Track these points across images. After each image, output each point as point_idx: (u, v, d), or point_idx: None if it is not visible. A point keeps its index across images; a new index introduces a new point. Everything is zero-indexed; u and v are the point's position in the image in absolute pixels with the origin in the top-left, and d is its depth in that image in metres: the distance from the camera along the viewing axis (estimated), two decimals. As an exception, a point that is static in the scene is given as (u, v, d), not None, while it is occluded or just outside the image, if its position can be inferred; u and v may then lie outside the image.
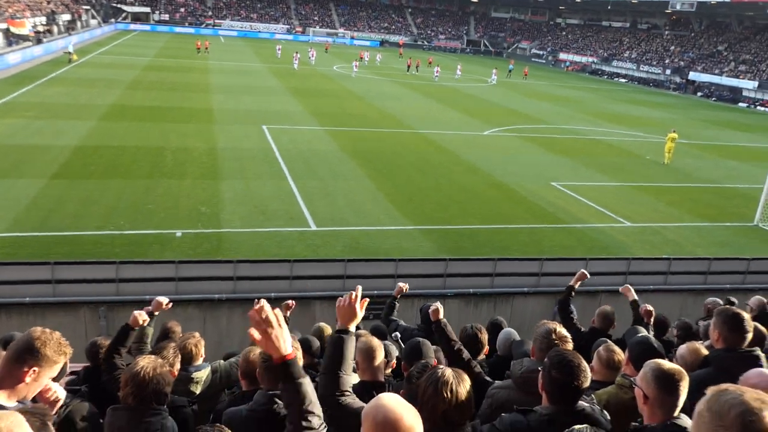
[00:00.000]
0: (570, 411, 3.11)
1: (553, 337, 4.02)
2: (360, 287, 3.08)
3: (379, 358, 3.99)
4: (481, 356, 5.50)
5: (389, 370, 4.84)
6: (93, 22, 79.97)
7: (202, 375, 5.11)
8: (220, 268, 11.51)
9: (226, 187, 18.78)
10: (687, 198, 22.49)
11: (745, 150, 34.39)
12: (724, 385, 1.94)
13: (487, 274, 12.64)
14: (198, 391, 5.03)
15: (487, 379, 4.45)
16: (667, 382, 2.99)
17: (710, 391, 1.95)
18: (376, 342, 4.07)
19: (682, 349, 4.62)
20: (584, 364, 3.23)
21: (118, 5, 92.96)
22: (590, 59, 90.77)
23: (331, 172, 21.64)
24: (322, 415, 2.58)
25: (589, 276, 6.44)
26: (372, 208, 18.10)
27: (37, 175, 18.41)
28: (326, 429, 2.58)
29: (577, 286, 6.45)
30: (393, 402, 2.17)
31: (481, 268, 12.63)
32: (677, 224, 19.26)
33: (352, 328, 3.01)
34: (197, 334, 5.37)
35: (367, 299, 3.09)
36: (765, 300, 6.96)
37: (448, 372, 2.80)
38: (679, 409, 3.00)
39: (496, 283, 12.62)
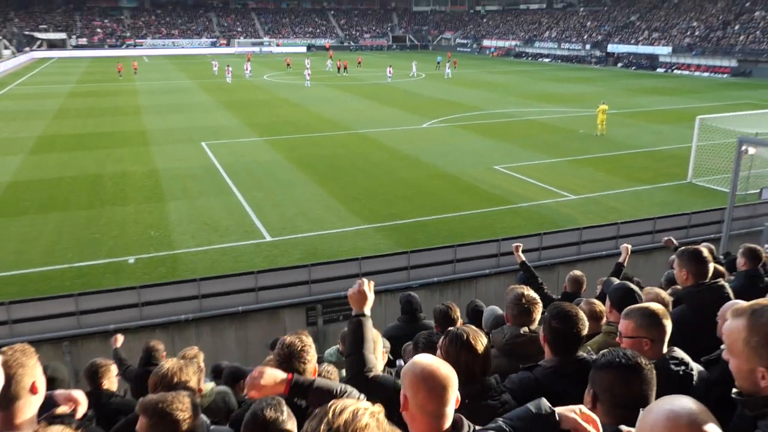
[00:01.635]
0: (572, 360, 3.31)
1: (524, 301, 4.19)
2: (365, 279, 3.32)
3: (379, 347, 4.11)
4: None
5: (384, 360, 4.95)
6: (6, 52, 76.74)
7: (208, 386, 5.11)
8: (184, 288, 11.36)
9: (172, 208, 18.46)
10: (622, 165, 23.42)
11: (669, 113, 36.00)
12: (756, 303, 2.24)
13: (449, 261, 12.91)
14: (205, 405, 5.02)
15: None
16: (654, 317, 3.22)
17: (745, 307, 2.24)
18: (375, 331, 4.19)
19: (643, 295, 4.90)
20: (581, 313, 3.46)
21: (31, 33, 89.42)
22: (513, 43, 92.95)
23: (277, 181, 21.54)
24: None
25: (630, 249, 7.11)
26: (323, 212, 18.14)
27: (-29, 219, 17.64)
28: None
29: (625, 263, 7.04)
30: (428, 358, 2.41)
31: (443, 257, 12.89)
32: (617, 191, 20.07)
33: (367, 311, 3.23)
34: (196, 348, 5.34)
35: (372, 281, 3.35)
36: (712, 246, 7.41)
37: (467, 329, 3.00)
38: (666, 341, 3.24)
39: (458, 269, 12.90)
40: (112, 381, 5.06)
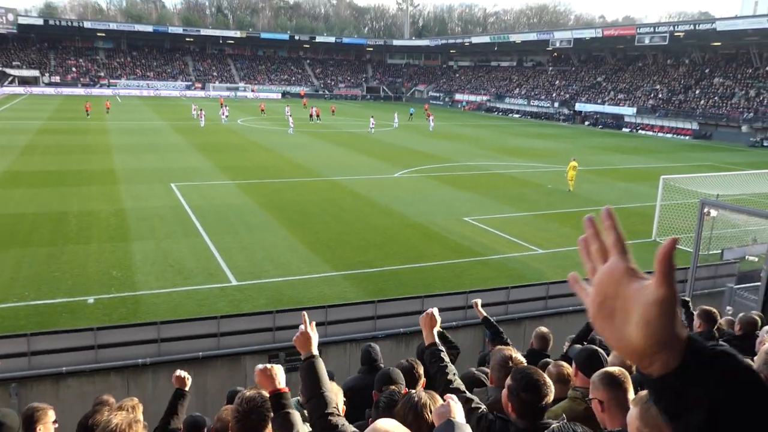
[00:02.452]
0: (540, 427, 3.25)
1: (511, 364, 4.18)
2: (305, 313, 3.25)
3: (339, 392, 4.01)
4: (419, 388, 5.59)
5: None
6: (-24, 88, 75.94)
7: None
8: (143, 331, 11.01)
9: (137, 249, 18.09)
10: (589, 221, 23.76)
11: (634, 171, 36.98)
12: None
13: (416, 312, 12.79)
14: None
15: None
16: (613, 381, 3.22)
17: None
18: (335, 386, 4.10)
19: (610, 358, 4.92)
20: (548, 380, 3.41)
21: (3, 69, 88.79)
22: (484, 98, 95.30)
23: (247, 225, 21.35)
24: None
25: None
26: (292, 258, 17.97)
27: (-76, 254, 17.03)
28: None
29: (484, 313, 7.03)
30: (387, 424, 2.32)
31: (410, 307, 12.77)
32: (584, 247, 20.28)
33: (315, 351, 3.12)
34: (135, 399, 5.12)
35: (314, 322, 3.27)
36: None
37: (424, 395, 2.89)
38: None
39: (424, 320, 12.78)
40: (48, 428, 4.65)
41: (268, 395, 3.13)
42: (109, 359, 10.65)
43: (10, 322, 12.74)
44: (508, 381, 3.47)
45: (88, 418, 4.82)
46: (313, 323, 3.24)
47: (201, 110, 55.51)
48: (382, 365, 6.51)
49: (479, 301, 7.21)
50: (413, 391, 3.05)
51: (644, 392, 2.33)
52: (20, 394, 10.00)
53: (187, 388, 4.79)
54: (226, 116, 58.62)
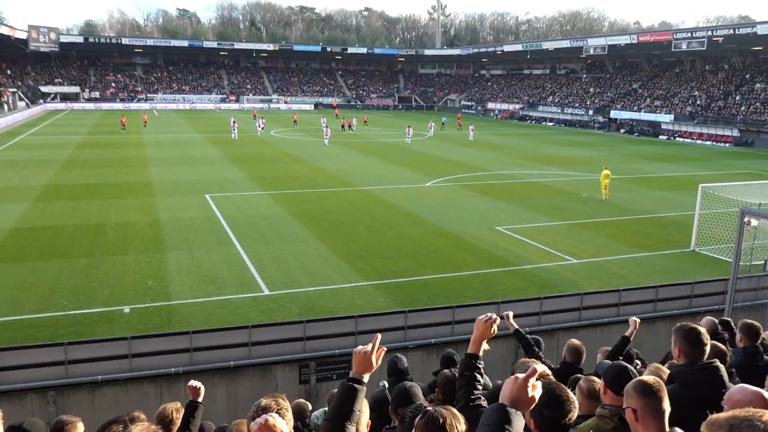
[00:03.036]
0: None
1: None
2: (379, 336, 3.07)
3: (365, 418, 3.93)
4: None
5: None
6: (20, 104, 78.54)
7: None
8: (176, 340, 11.16)
9: (172, 259, 18.38)
10: (625, 230, 23.38)
11: (671, 179, 36.22)
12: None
13: (447, 322, 12.71)
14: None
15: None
16: (648, 390, 3.12)
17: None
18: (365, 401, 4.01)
19: (646, 373, 4.80)
20: (572, 396, 3.31)
21: (47, 85, 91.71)
22: (516, 106, 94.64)
23: (279, 235, 21.53)
24: None
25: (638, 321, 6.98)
26: (323, 267, 18.03)
27: (-31, 264, 17.58)
28: None
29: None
30: None
31: (440, 317, 12.70)
32: (619, 257, 19.94)
33: (365, 378, 2.97)
34: (178, 403, 5.14)
35: (384, 349, 3.08)
36: (716, 320, 7.26)
37: (445, 411, 2.80)
38: (667, 417, 3.10)
39: (456, 331, 12.68)
40: None
41: (284, 402, 3.08)
42: (143, 368, 10.82)
43: (49, 331, 13.04)
44: None
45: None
46: (382, 351, 3.02)
47: (234, 122, 56.12)
48: (409, 376, 6.44)
49: (510, 314, 7.09)
50: (433, 407, 2.94)
51: (723, 416, 2.20)
52: (57, 402, 10.21)
53: (200, 399, 4.79)
54: (262, 128, 58.72)
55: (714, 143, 62.61)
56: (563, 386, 3.41)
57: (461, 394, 3.21)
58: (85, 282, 16.24)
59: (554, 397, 3.23)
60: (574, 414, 3.25)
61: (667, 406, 3.12)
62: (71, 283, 16.18)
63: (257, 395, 8.98)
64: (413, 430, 2.80)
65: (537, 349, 6.76)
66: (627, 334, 6.90)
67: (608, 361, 5.86)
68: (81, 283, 16.18)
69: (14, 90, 79.94)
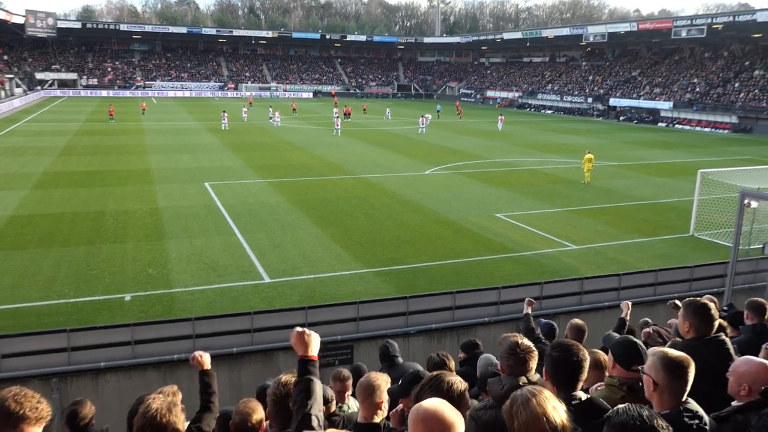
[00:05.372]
0: (571, 398, 3.20)
1: (518, 350, 3.99)
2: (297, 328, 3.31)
3: (380, 396, 3.95)
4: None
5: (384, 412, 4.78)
6: (18, 90, 78.18)
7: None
8: (178, 327, 11.19)
9: (172, 247, 18.39)
10: (624, 216, 23.41)
11: (670, 166, 36.21)
12: None
13: (448, 308, 12.75)
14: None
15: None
16: (676, 369, 3.14)
17: None
18: (379, 380, 4.03)
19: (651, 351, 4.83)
20: (582, 347, 3.37)
21: (44, 72, 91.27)
22: (516, 94, 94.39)
23: (279, 222, 21.53)
24: (323, 420, 2.85)
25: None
26: (323, 255, 18.05)
27: (-31, 252, 17.58)
28: None
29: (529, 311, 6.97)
30: (435, 402, 2.38)
31: (442, 303, 12.74)
32: (618, 242, 19.98)
33: (312, 352, 3.16)
34: (175, 386, 5.09)
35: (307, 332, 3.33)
36: (715, 299, 7.30)
37: (455, 378, 2.85)
38: (686, 393, 3.13)
39: (457, 316, 12.73)
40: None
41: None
42: (146, 354, 10.86)
43: (50, 318, 13.06)
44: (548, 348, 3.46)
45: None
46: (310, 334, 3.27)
47: (224, 111, 53.38)
48: (400, 360, 6.49)
49: (533, 302, 7.28)
50: (440, 373, 2.98)
51: None
52: (61, 389, 10.26)
53: (207, 367, 4.62)
54: (279, 120, 56.59)
55: (713, 130, 62.58)
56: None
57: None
58: (85, 270, 16.25)
59: (563, 343, 3.31)
60: (585, 361, 3.31)
61: (689, 384, 3.15)
62: (72, 270, 16.18)
63: (260, 381, 9.03)
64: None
65: (538, 333, 6.78)
66: (622, 315, 7.04)
67: (615, 334, 5.92)
68: (81, 270, 16.19)
69: (11, 76, 79.51)
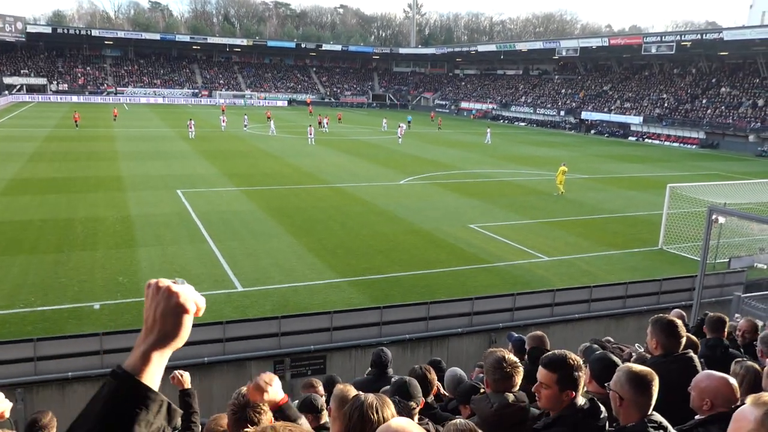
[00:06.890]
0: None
1: (505, 365, 3.99)
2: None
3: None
4: (431, 397, 5.52)
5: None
6: (-16, 95, 76.54)
7: None
8: (148, 337, 11.01)
9: (143, 255, 18.15)
10: (595, 229, 23.76)
11: (640, 180, 36.87)
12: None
13: (421, 318, 12.79)
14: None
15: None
16: (640, 383, 3.20)
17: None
18: (351, 391, 3.95)
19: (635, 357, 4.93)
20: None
21: (12, 77, 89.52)
22: (490, 106, 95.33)
23: (252, 231, 21.38)
24: None
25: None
26: (297, 264, 17.97)
27: (-68, 259, 17.11)
28: None
29: None
30: (402, 421, 2.21)
31: (415, 313, 12.77)
32: (589, 254, 20.26)
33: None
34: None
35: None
36: (683, 313, 7.45)
37: (371, 396, 2.79)
38: (652, 407, 3.19)
39: (430, 327, 12.77)
40: None
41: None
42: (116, 364, 10.64)
43: (16, 327, 12.77)
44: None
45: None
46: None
47: (191, 120, 51.83)
48: (391, 371, 6.47)
49: None
50: (361, 393, 2.91)
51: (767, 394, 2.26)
52: (26, 399, 10.02)
53: (188, 386, 4.59)
54: (248, 124, 57.74)
55: (681, 145, 63.90)
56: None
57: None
58: (53, 278, 15.94)
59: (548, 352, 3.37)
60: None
61: (654, 398, 3.21)
62: (39, 278, 15.86)
63: (232, 391, 8.92)
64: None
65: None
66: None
67: (596, 346, 5.98)
68: (49, 278, 15.87)
69: (-22, 81, 77.92)
